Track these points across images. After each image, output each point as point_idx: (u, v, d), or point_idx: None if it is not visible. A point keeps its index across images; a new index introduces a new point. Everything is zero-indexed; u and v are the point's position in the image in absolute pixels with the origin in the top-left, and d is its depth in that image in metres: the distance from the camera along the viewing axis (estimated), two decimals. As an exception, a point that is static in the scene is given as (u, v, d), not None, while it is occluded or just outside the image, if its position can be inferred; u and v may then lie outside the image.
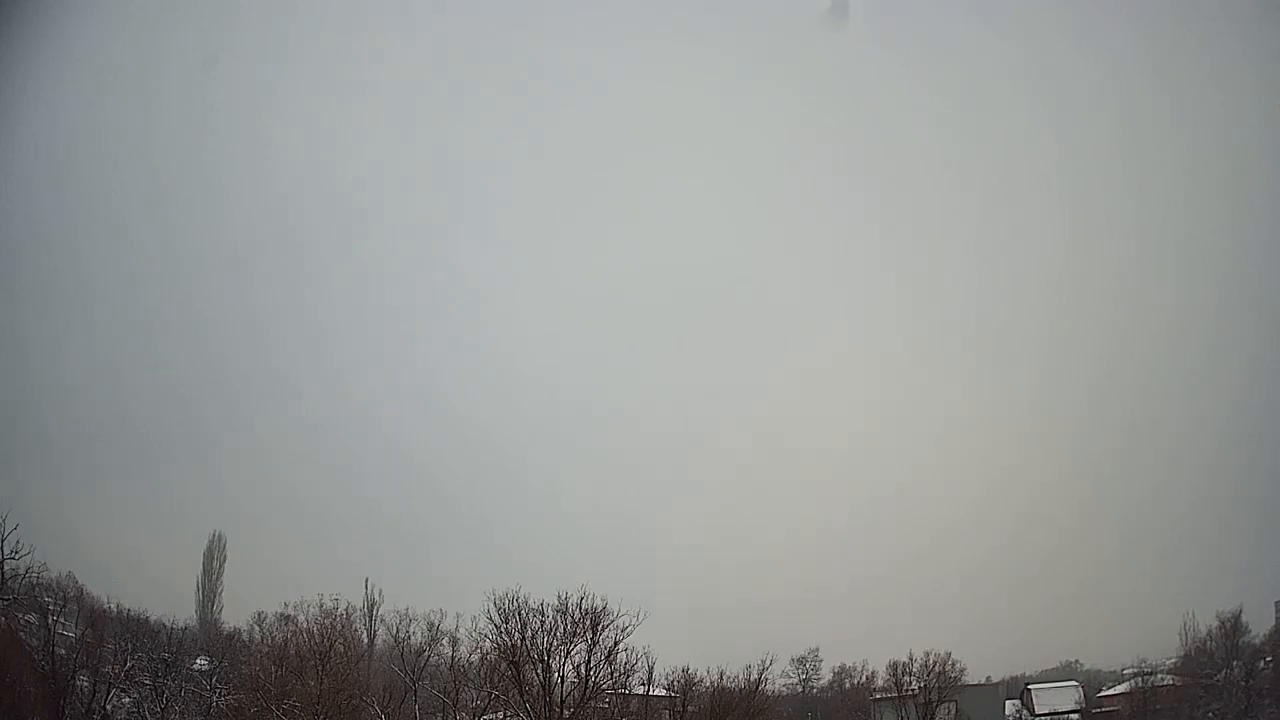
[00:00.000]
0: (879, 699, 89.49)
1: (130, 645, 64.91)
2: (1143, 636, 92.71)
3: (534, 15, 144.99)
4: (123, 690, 63.69)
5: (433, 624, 70.57)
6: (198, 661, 71.77)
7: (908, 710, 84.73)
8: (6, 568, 62.56)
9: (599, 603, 62.40)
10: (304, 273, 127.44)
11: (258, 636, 78.99)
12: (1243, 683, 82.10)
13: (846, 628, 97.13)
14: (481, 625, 62.41)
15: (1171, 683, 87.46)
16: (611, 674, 64.60)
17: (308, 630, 63.19)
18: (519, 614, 61.39)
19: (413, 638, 70.22)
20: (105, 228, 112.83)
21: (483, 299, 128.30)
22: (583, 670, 62.62)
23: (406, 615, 74.12)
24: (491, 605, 61.25)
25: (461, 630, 68.57)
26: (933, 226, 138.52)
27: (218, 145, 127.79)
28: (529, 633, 61.60)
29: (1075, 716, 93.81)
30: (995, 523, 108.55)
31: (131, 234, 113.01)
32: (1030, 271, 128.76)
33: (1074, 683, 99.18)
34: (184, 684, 67.04)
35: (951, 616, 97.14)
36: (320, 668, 56.12)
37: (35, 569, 65.26)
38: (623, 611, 62.39)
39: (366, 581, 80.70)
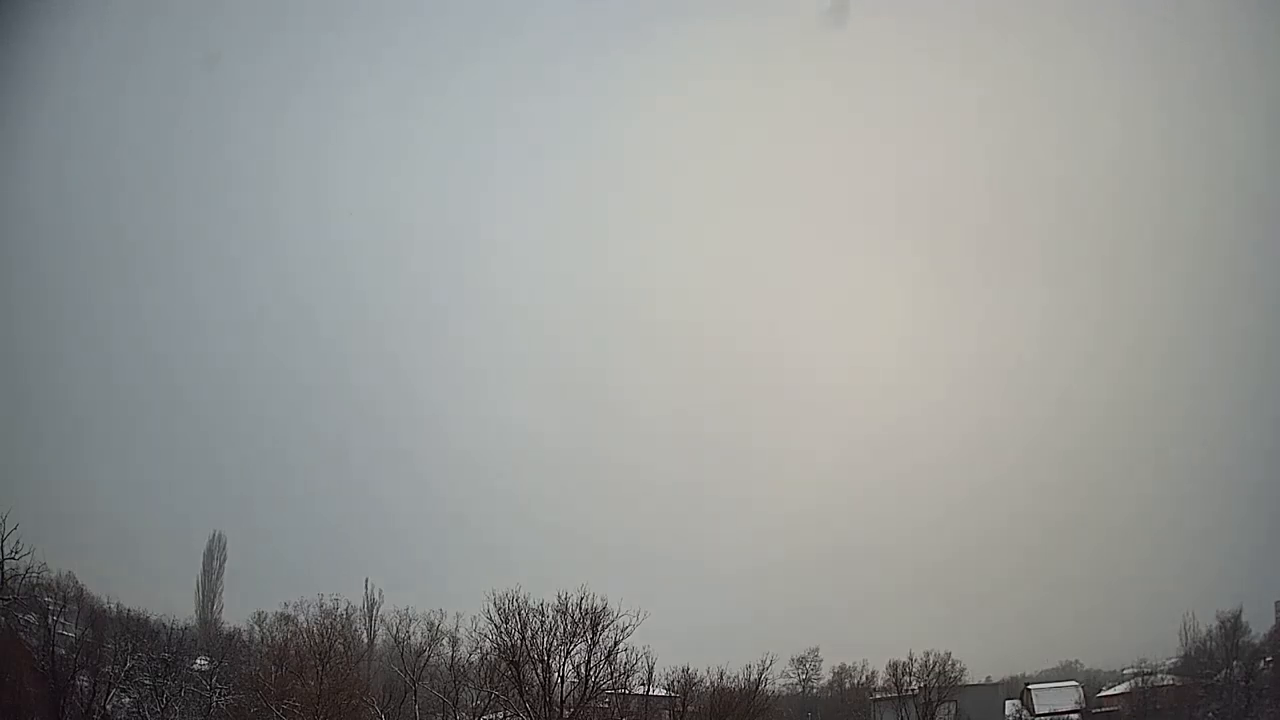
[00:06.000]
0: (879, 699, 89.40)
1: (130, 645, 64.66)
2: (1143, 636, 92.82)
3: (535, 17, 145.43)
4: (123, 690, 63.55)
5: (433, 624, 70.91)
6: (198, 661, 71.62)
7: (908, 710, 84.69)
8: (6, 568, 62.40)
9: (599, 603, 62.54)
10: (306, 273, 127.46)
11: (258, 636, 79.09)
12: (1243, 683, 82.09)
13: (846, 628, 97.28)
14: (481, 625, 62.55)
15: (1171, 683, 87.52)
16: (611, 674, 64.57)
17: (308, 630, 63.45)
18: (519, 614, 61.44)
19: (413, 638, 70.58)
20: (107, 225, 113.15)
21: (484, 301, 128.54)
22: (583, 670, 62.64)
23: (406, 615, 74.44)
24: (491, 605, 61.39)
25: (461, 630, 68.84)
26: (933, 227, 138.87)
27: (226, 145, 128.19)
28: (529, 633, 61.63)
29: (1075, 716, 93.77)
30: (995, 523, 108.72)
31: (133, 232, 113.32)
32: (1033, 273, 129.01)
33: (1074, 683, 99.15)
34: (184, 684, 66.88)
35: (951, 616, 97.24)
36: (320, 668, 56.18)
37: (35, 569, 65.18)
38: (623, 611, 62.54)
39: (366, 581, 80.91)
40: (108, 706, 61.67)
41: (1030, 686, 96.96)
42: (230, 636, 79.58)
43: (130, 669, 64.05)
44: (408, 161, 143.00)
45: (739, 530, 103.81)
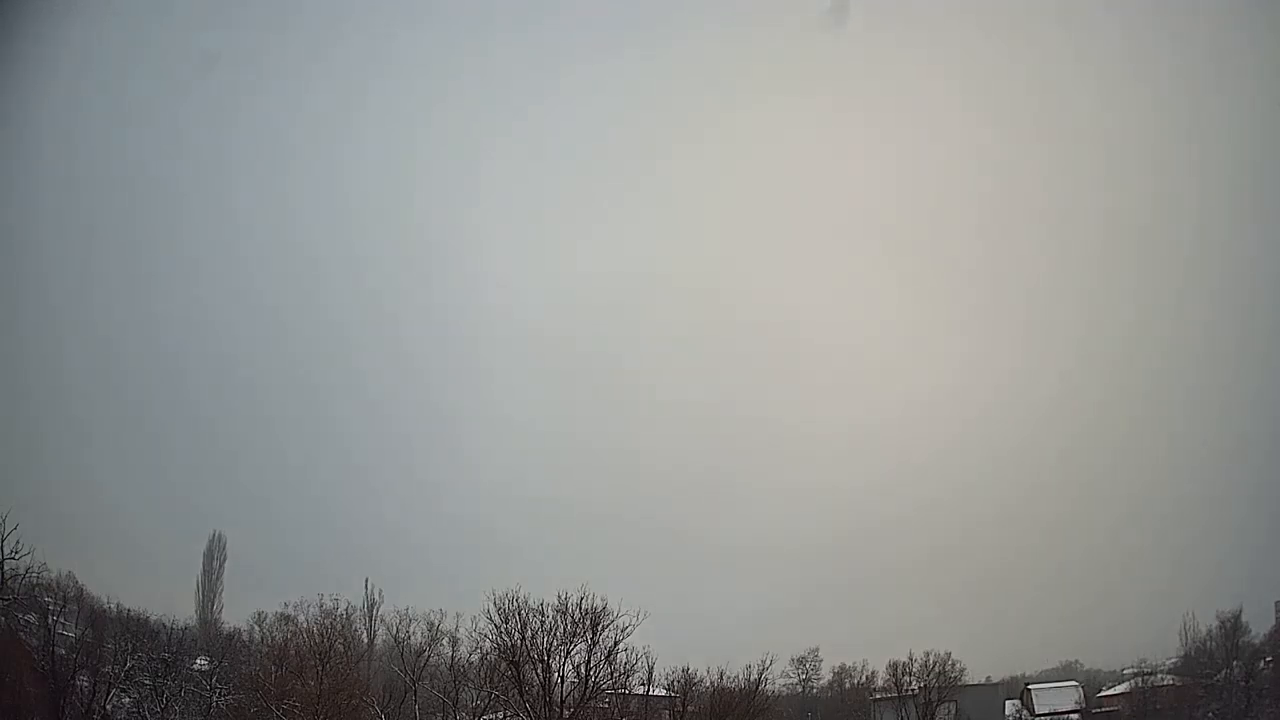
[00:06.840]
0: (879, 699, 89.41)
1: (130, 645, 64.68)
2: (1143, 636, 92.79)
3: (532, 16, 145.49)
4: (123, 690, 63.58)
5: (433, 624, 70.87)
6: (198, 661, 71.66)
7: (908, 710, 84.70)
8: (6, 568, 62.41)
9: (599, 603, 62.59)
10: (313, 271, 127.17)
11: (258, 636, 79.13)
12: (1243, 683, 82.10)
13: (847, 628, 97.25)
14: (481, 625, 62.62)
15: (1171, 683, 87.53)
16: (611, 674, 64.61)
17: (308, 630, 63.48)
18: (519, 614, 61.49)
19: (413, 638, 70.56)
20: (107, 223, 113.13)
21: (486, 298, 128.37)
22: (583, 670, 62.68)
23: (406, 615, 74.38)
24: (491, 605, 61.44)
25: (461, 630, 68.84)
26: (929, 225, 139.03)
27: (234, 142, 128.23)
28: (529, 633, 61.68)
29: (1075, 716, 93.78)
30: (995, 524, 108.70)
31: (134, 231, 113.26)
32: (1036, 275, 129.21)
33: (1074, 683, 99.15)
34: (184, 684, 66.91)
35: (951, 617, 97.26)
36: (320, 668, 56.23)
37: (35, 569, 65.19)
38: (623, 611, 62.58)
39: (366, 581, 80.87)
40: (108, 706, 61.70)
41: (1030, 686, 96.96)
42: (230, 636, 79.61)
43: (130, 669, 64.08)
44: (419, 159, 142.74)
45: (740, 524, 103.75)
